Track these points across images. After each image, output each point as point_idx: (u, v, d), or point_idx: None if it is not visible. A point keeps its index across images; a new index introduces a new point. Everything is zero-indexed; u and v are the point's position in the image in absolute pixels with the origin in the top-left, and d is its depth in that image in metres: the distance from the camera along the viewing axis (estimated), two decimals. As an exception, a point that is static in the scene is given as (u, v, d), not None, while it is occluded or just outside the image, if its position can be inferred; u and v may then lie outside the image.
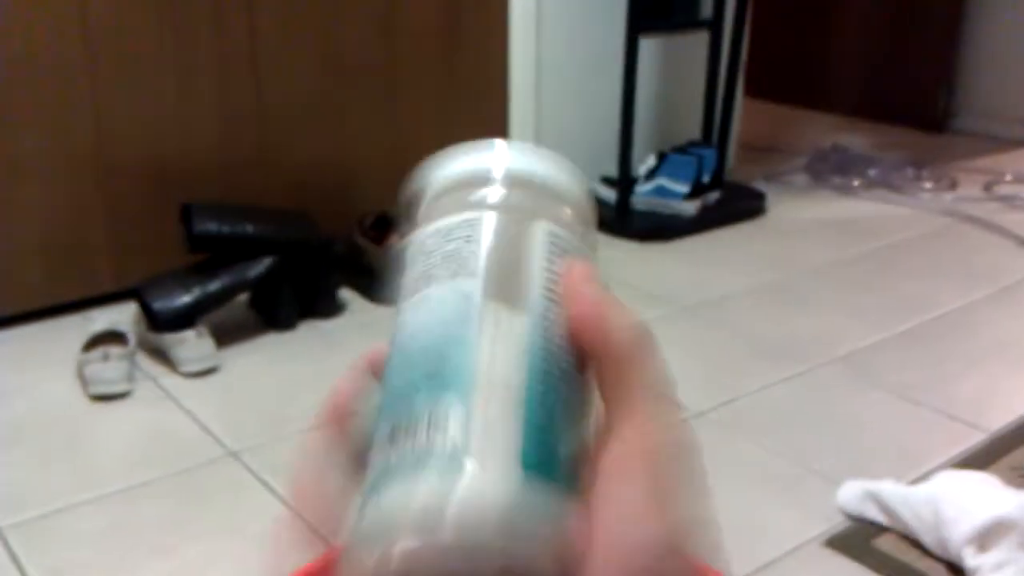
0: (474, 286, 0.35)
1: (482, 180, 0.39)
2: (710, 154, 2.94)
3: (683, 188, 2.84)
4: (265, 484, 1.62)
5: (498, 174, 0.39)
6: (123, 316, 2.12)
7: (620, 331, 0.34)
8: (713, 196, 2.93)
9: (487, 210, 0.38)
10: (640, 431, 0.33)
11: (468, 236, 0.37)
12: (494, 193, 0.38)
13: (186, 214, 2.12)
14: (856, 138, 3.80)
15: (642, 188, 2.88)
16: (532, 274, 0.36)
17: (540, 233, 0.38)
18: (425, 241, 0.38)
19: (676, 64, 3.12)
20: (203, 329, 2.00)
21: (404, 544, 0.30)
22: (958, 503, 1.43)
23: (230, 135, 2.37)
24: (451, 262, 0.36)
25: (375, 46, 2.53)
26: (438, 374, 0.33)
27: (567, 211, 0.40)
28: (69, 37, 2.10)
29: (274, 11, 2.34)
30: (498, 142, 0.41)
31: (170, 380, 1.96)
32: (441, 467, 0.31)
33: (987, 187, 3.26)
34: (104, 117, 2.19)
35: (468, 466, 0.31)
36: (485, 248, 0.36)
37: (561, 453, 0.33)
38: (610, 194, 2.88)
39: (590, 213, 0.42)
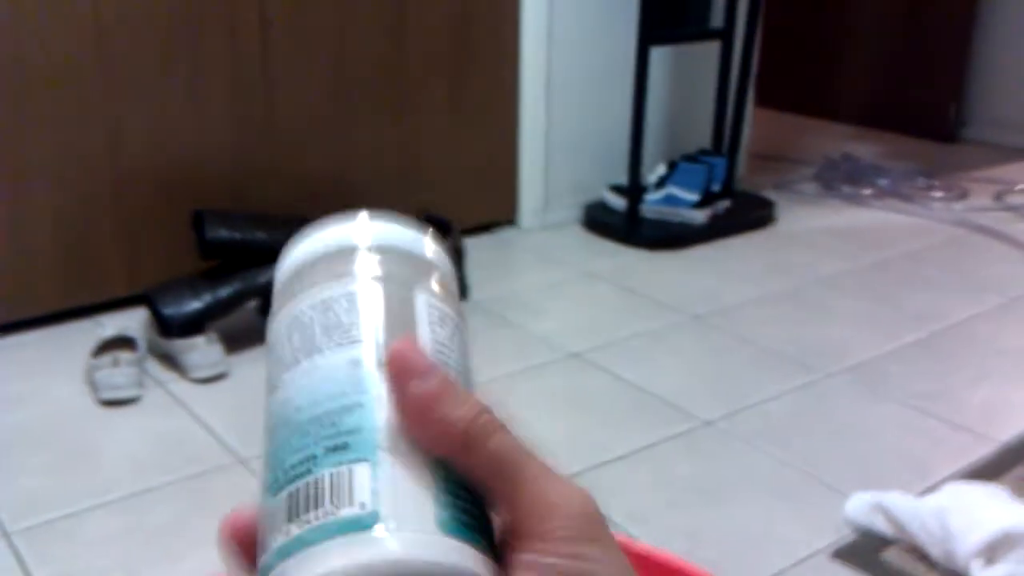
0: (363, 352, 0.35)
1: (350, 251, 0.39)
2: (720, 163, 2.94)
3: (693, 197, 2.84)
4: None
5: (365, 245, 0.39)
6: (134, 322, 2.13)
7: (453, 421, 0.33)
8: (723, 205, 2.93)
9: (365, 280, 0.37)
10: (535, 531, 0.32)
11: (348, 306, 0.36)
12: (367, 263, 0.38)
13: (198, 221, 2.12)
14: (866, 147, 3.80)
15: (652, 196, 2.88)
16: (422, 339, 0.36)
17: (420, 301, 0.37)
18: (301, 313, 0.37)
19: (686, 73, 3.12)
20: (213, 335, 2.01)
21: None
22: (966, 515, 1.43)
23: (242, 144, 2.38)
24: (334, 331, 0.35)
25: (386, 58, 2.54)
26: (336, 441, 0.32)
27: (436, 279, 0.39)
28: (83, 47, 2.11)
29: (286, 23, 2.35)
30: (360, 214, 0.41)
31: (179, 386, 1.97)
32: (352, 532, 0.30)
33: (998, 197, 3.25)
34: (116, 125, 2.20)
35: (381, 530, 0.30)
36: (370, 316, 0.36)
37: (473, 511, 0.33)
38: (620, 202, 2.89)
39: (454, 281, 0.41)
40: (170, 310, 2.02)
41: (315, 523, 0.31)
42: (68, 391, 1.93)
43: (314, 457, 0.32)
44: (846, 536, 1.52)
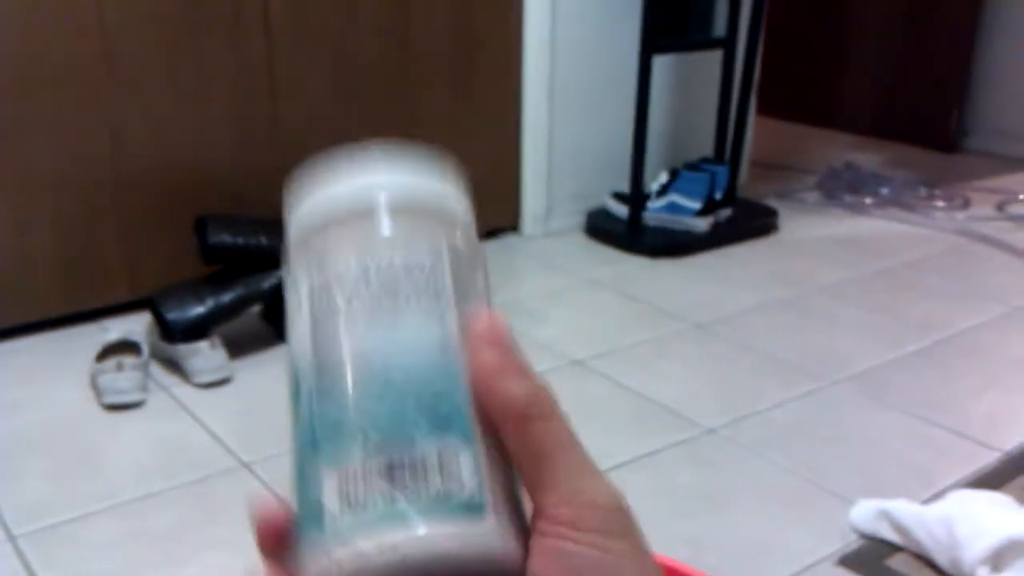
0: (451, 323, 0.35)
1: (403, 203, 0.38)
2: (722, 171, 2.94)
3: (695, 205, 2.84)
4: (277, 496, 1.62)
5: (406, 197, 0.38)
6: (137, 326, 2.13)
7: (513, 396, 0.33)
8: (725, 213, 2.93)
9: (439, 244, 0.37)
10: (558, 519, 0.33)
11: (431, 272, 0.36)
12: (438, 225, 0.37)
13: (200, 226, 2.13)
14: (868, 156, 3.81)
15: (654, 204, 2.88)
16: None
17: (480, 272, 0.38)
18: (375, 268, 0.36)
19: (689, 81, 3.12)
20: (216, 340, 2.01)
21: None
22: (972, 523, 1.43)
23: (245, 149, 2.38)
24: (422, 296, 0.35)
25: (389, 65, 2.54)
26: (436, 412, 0.33)
27: (464, 235, 0.39)
28: (87, 49, 2.12)
29: (291, 29, 2.36)
30: (381, 153, 0.40)
31: (183, 390, 1.96)
32: (465, 517, 0.32)
33: (1000, 206, 3.26)
34: (120, 130, 2.20)
35: (491, 519, 0.32)
36: (448, 284, 0.36)
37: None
38: (622, 210, 2.89)
39: (474, 227, 0.40)
40: (173, 315, 2.02)
41: (425, 498, 0.31)
42: (72, 395, 1.93)
43: (417, 425, 0.33)
44: (851, 543, 1.52)
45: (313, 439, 0.35)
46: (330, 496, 0.33)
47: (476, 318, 0.35)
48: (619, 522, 0.33)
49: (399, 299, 0.35)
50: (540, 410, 0.33)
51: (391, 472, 0.32)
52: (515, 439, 0.33)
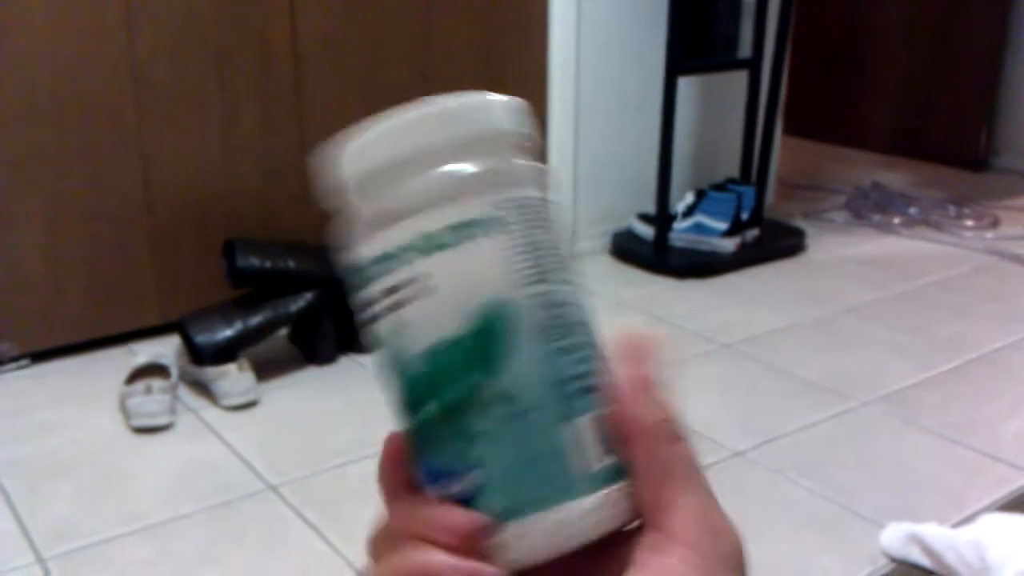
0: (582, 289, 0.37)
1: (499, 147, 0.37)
2: (749, 191, 2.93)
3: (721, 225, 2.84)
4: (304, 519, 1.63)
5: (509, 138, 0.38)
6: (166, 349, 2.14)
7: (649, 414, 0.35)
8: (752, 233, 2.92)
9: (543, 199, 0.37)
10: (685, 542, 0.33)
11: (548, 225, 0.36)
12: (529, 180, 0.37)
13: (229, 250, 2.14)
14: (896, 176, 3.79)
15: (680, 225, 2.88)
16: None
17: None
18: (531, 235, 0.36)
19: (715, 102, 3.12)
20: (244, 363, 2.02)
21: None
22: (1004, 547, 1.41)
23: (273, 175, 2.40)
24: (553, 262, 0.36)
25: (415, 89, 2.56)
26: (590, 384, 0.35)
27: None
28: (118, 79, 2.14)
29: (318, 55, 2.38)
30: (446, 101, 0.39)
31: (211, 413, 1.97)
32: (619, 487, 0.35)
33: (1030, 226, 3.23)
34: (150, 156, 2.22)
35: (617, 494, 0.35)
36: (563, 246, 0.37)
37: None
38: (648, 231, 2.89)
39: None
40: (202, 338, 2.04)
41: (610, 464, 0.35)
42: (101, 418, 1.95)
43: (588, 391, 0.35)
44: (882, 567, 1.51)
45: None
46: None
47: (628, 330, 0.36)
48: (738, 559, 0.34)
49: (541, 260, 0.35)
50: (673, 432, 0.35)
51: (599, 432, 0.34)
52: (644, 454, 0.34)
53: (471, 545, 0.33)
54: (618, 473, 0.34)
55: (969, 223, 3.24)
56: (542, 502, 0.34)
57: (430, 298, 0.34)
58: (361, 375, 2.15)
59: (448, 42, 2.58)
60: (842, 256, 2.96)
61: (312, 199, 2.45)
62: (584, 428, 0.34)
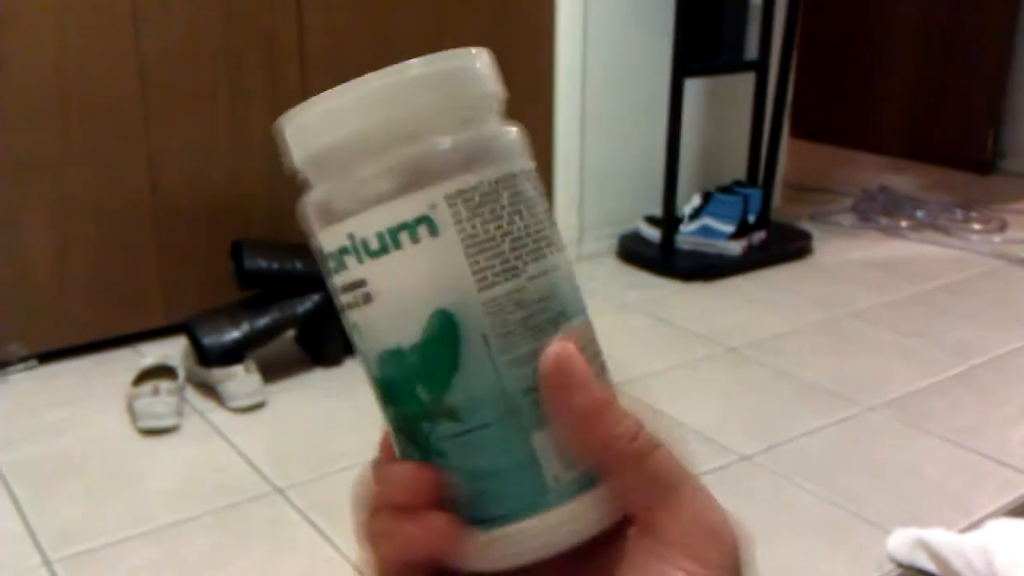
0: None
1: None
2: (755, 194, 2.93)
3: (728, 228, 2.84)
4: (310, 521, 1.63)
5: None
6: (174, 351, 2.15)
7: (619, 435, 0.32)
8: (758, 236, 2.92)
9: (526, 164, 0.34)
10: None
11: (545, 218, 0.34)
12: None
13: (236, 251, 2.15)
14: (903, 179, 3.78)
15: (687, 228, 2.88)
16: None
17: None
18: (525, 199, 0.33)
19: (721, 104, 3.12)
20: (251, 364, 2.02)
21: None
22: (1011, 552, 1.40)
23: (280, 176, 2.39)
24: (529, 249, 0.33)
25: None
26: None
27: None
28: (125, 81, 2.15)
29: (326, 57, 2.38)
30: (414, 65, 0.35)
31: (218, 415, 1.98)
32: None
33: (1037, 229, 3.22)
34: (157, 158, 2.23)
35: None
36: (545, 221, 0.34)
37: None
38: (654, 233, 2.89)
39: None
40: (209, 339, 2.04)
41: (579, 473, 0.33)
42: (109, 420, 1.95)
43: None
44: (888, 573, 1.50)
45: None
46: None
47: (545, 360, 0.32)
48: (741, 560, 0.33)
49: (536, 233, 0.33)
50: (648, 440, 0.33)
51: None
52: (633, 475, 0.33)
53: (425, 499, 0.33)
54: (590, 480, 0.33)
55: (976, 227, 3.23)
56: (509, 514, 0.32)
57: (371, 305, 0.32)
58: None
59: (455, 43, 2.57)
60: (849, 259, 2.96)
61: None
62: (548, 439, 0.32)
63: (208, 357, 2.03)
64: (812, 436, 1.92)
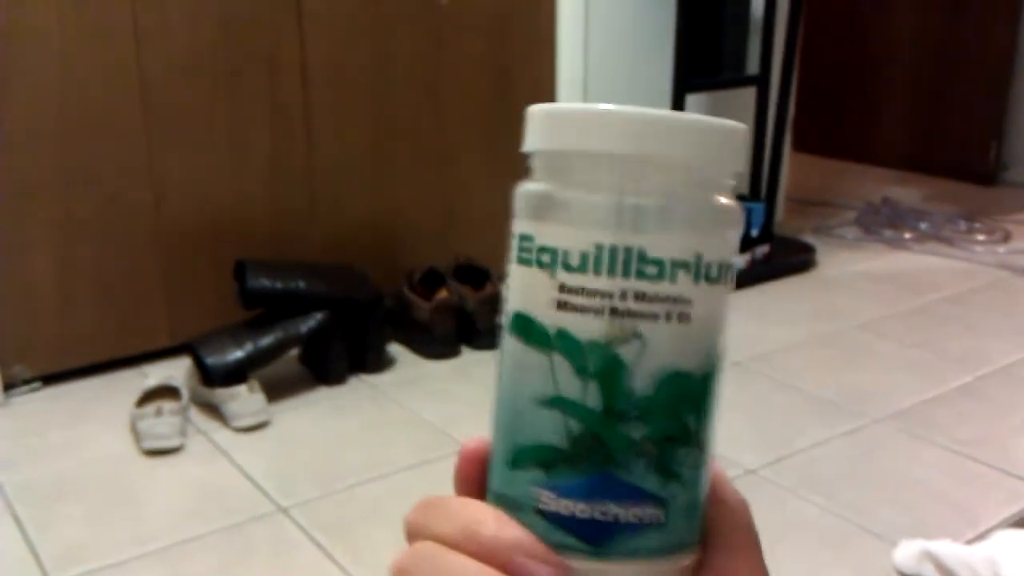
0: None
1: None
2: (758, 208, 2.93)
3: (731, 242, 2.83)
4: (314, 541, 1.63)
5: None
6: (177, 371, 2.15)
7: (733, 491, 0.38)
8: (762, 250, 2.91)
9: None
10: None
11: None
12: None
13: (240, 271, 2.15)
14: (906, 191, 3.78)
15: (690, 242, 2.87)
16: None
17: None
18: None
19: (723, 118, 3.12)
20: (255, 384, 2.02)
21: None
22: (1019, 563, 1.40)
23: (283, 193, 2.41)
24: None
25: (424, 108, 2.57)
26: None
27: None
28: (128, 102, 2.16)
29: (327, 76, 2.39)
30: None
31: (222, 435, 1.98)
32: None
33: (1042, 240, 3.22)
34: (160, 178, 2.24)
35: None
36: None
37: None
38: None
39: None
40: (213, 359, 2.04)
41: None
42: (112, 440, 1.95)
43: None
44: (895, 585, 1.50)
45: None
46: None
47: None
48: None
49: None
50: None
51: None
52: (738, 527, 0.38)
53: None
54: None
55: (980, 238, 3.23)
56: (684, 547, 0.35)
57: (684, 325, 0.33)
58: (371, 396, 2.15)
59: (457, 61, 2.59)
60: (853, 272, 2.96)
61: (321, 217, 2.46)
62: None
63: (212, 377, 2.03)
64: (818, 448, 1.91)
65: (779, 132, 3.01)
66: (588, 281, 0.32)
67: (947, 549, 1.48)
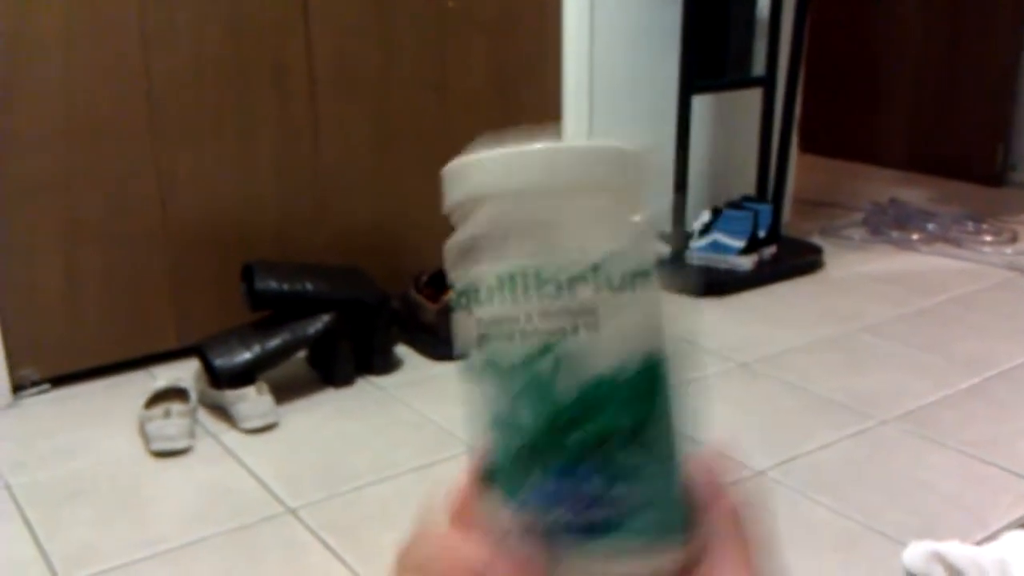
0: None
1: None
2: (765, 209, 2.93)
3: (738, 243, 2.83)
4: (322, 542, 1.63)
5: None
6: (185, 373, 2.15)
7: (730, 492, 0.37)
8: (769, 251, 2.91)
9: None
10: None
11: None
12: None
13: (247, 273, 2.15)
14: (913, 192, 3.77)
15: (697, 243, 2.88)
16: None
17: None
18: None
19: (730, 120, 3.12)
20: (263, 386, 2.02)
21: None
22: (1028, 565, 1.39)
23: (289, 196, 2.41)
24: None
25: (430, 111, 2.57)
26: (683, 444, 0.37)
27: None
28: (134, 104, 2.16)
29: (333, 77, 2.40)
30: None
31: (230, 436, 1.98)
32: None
33: (1049, 240, 3.21)
34: (167, 180, 2.24)
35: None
36: None
37: None
38: (665, 249, 2.88)
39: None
40: (220, 361, 2.04)
41: (687, 518, 0.38)
42: (121, 442, 1.96)
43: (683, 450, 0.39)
44: (904, 587, 1.49)
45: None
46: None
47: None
48: None
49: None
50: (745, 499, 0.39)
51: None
52: (727, 522, 0.38)
53: None
54: (688, 526, 0.36)
55: (988, 238, 3.22)
56: (658, 545, 0.35)
57: (591, 333, 0.34)
58: (379, 397, 2.16)
59: (462, 62, 2.59)
60: (860, 273, 2.95)
61: (328, 219, 2.46)
62: (682, 482, 0.36)
63: (219, 379, 2.03)
64: (826, 450, 1.91)
65: (785, 133, 3.01)
66: (496, 311, 0.34)
67: (957, 550, 1.48)
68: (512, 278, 0.34)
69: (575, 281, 0.34)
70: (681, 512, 0.36)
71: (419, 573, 0.35)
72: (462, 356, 0.36)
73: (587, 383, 0.34)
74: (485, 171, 0.35)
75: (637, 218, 0.36)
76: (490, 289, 0.34)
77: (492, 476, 0.35)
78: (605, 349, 0.34)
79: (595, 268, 0.34)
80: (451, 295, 0.36)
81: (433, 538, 0.36)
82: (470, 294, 0.35)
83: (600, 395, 0.34)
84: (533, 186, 0.34)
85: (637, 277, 0.35)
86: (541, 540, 0.34)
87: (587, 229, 0.34)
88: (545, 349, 0.34)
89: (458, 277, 0.36)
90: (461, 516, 0.37)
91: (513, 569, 0.34)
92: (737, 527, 0.37)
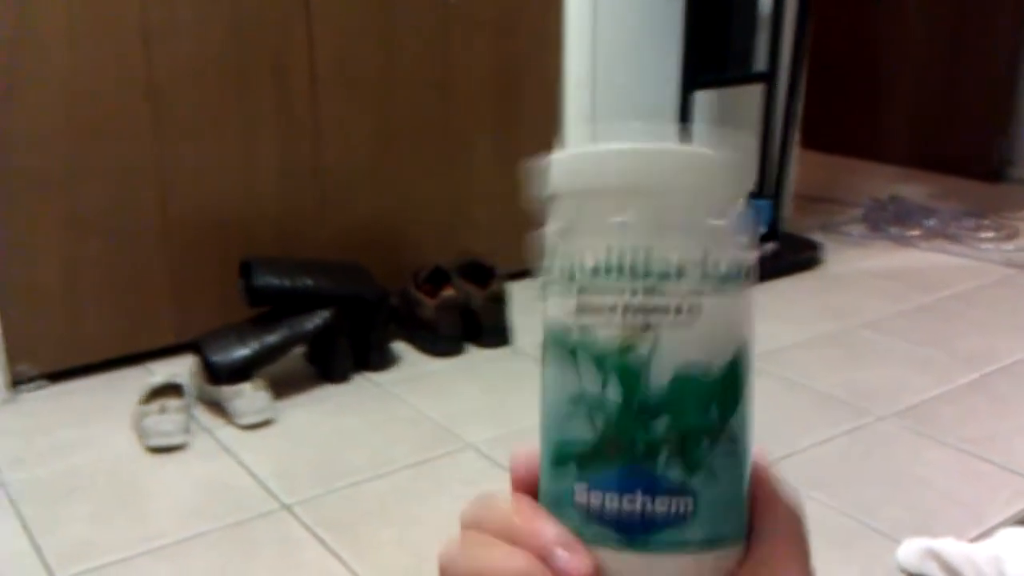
0: None
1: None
2: (766, 205, 2.92)
3: (738, 240, 2.82)
4: (318, 538, 1.63)
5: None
6: (182, 369, 2.15)
7: (789, 493, 0.39)
8: (769, 247, 2.91)
9: None
10: None
11: None
12: None
13: (246, 269, 2.15)
14: (913, 188, 3.77)
15: (696, 240, 2.87)
16: None
17: None
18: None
19: (731, 115, 3.12)
20: (260, 382, 2.02)
21: None
22: (1023, 561, 1.39)
23: (290, 194, 2.41)
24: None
25: (431, 109, 2.57)
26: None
27: None
28: (135, 100, 2.16)
29: (335, 73, 2.39)
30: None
31: (226, 432, 1.98)
32: None
33: (1050, 237, 3.20)
34: (167, 176, 2.24)
35: None
36: None
37: None
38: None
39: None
40: (217, 357, 2.04)
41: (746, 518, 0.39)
42: (118, 438, 1.96)
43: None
44: (899, 583, 1.49)
45: None
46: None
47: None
48: None
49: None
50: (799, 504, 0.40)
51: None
52: (783, 524, 0.39)
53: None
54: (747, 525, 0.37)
55: (987, 235, 3.22)
56: (724, 541, 0.36)
57: (693, 319, 0.35)
58: (376, 394, 2.16)
59: (465, 60, 2.59)
60: (860, 269, 2.95)
61: (328, 215, 2.46)
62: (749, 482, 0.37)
63: (216, 374, 2.03)
64: (823, 446, 1.91)
65: (787, 129, 3.00)
66: (602, 283, 0.35)
67: (951, 547, 1.48)
68: (623, 253, 0.35)
69: (685, 266, 0.35)
70: (745, 511, 0.37)
71: (473, 524, 0.37)
72: (548, 337, 0.37)
73: (679, 375, 0.35)
74: (600, 164, 0.36)
75: (731, 221, 0.37)
76: (598, 261, 0.35)
77: (565, 454, 0.36)
78: (699, 344, 0.35)
79: (705, 256, 0.35)
80: (541, 278, 0.37)
81: (498, 501, 0.37)
82: (568, 279, 0.36)
83: (690, 388, 0.35)
84: (643, 184, 0.35)
85: (732, 277, 0.36)
86: (608, 524, 0.35)
87: (689, 228, 0.35)
88: (641, 338, 0.35)
89: (556, 261, 0.36)
90: (524, 485, 0.38)
91: (576, 550, 0.34)
92: (794, 529, 0.38)
